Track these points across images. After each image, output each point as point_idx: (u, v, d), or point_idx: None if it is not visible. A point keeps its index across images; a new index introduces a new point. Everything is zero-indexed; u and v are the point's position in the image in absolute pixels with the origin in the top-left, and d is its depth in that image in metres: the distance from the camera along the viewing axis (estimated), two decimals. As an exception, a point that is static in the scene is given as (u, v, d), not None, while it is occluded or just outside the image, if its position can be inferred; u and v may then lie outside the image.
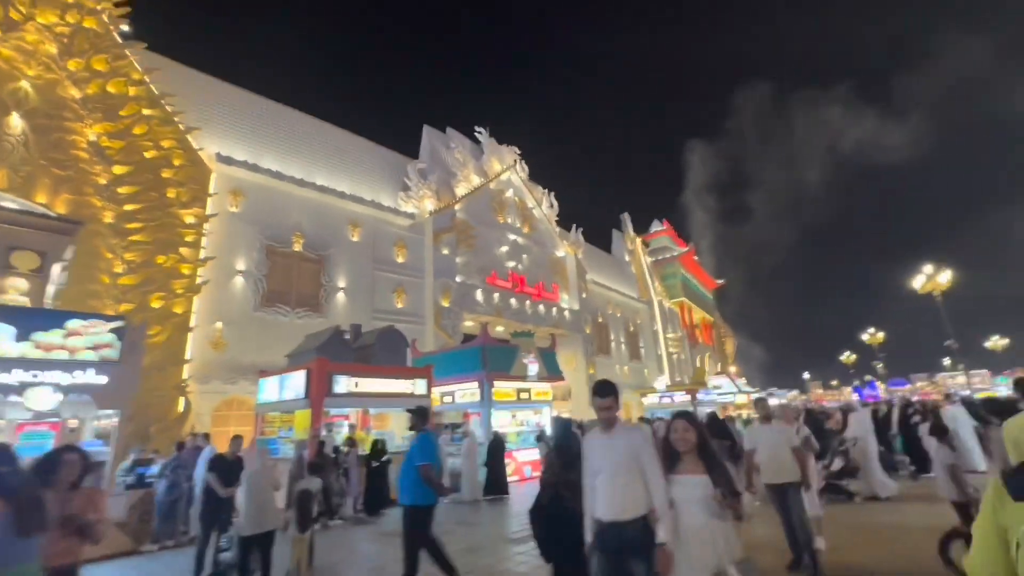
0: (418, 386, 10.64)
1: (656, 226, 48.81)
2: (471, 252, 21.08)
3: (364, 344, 10.99)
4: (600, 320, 30.26)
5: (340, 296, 16.68)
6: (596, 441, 2.78)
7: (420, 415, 4.51)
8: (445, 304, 19.10)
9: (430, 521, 4.26)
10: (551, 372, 14.91)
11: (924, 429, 9.24)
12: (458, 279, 19.92)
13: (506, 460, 12.39)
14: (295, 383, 9.47)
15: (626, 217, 41.08)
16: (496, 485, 10.01)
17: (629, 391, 29.81)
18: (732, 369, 52.57)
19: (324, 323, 14.89)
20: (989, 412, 3.80)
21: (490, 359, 12.64)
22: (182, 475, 6.64)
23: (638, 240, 41.26)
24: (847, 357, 60.45)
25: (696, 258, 52.54)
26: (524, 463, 12.61)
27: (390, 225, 18.98)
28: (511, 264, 23.07)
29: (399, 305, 18.21)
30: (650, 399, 24.96)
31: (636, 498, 2.57)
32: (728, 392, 28.39)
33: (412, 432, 4.59)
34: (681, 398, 24.76)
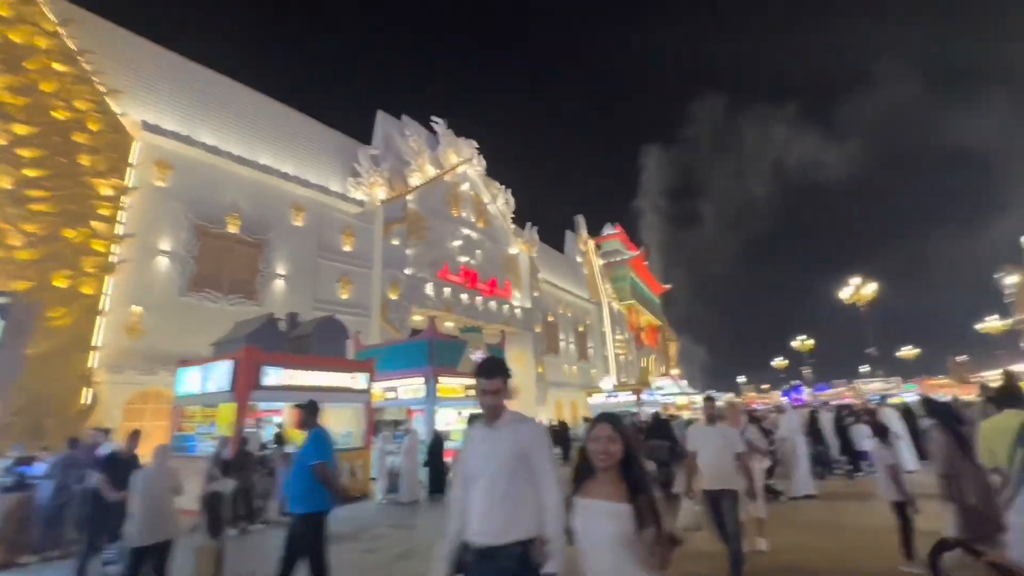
0: (358, 380, 10.05)
1: (609, 229, 49.76)
2: (423, 244, 20.47)
3: (301, 334, 10.25)
4: (551, 319, 30.37)
5: (279, 283, 15.66)
6: (476, 437, 2.16)
7: (310, 410, 3.99)
8: (393, 297, 18.40)
9: (326, 529, 3.82)
10: (499, 369, 14.64)
11: (859, 431, 9.73)
12: (408, 271, 19.27)
13: (449, 459, 12.01)
14: (219, 374, 8.65)
15: (580, 219, 41.55)
16: (437, 484, 9.62)
17: (576, 390, 30.12)
18: (675, 371, 54.48)
19: (260, 311, 13.88)
20: (930, 414, 3.85)
21: (437, 354, 12.19)
22: (72, 475, 5.79)
23: (591, 242, 41.85)
24: (779, 362, 64.12)
25: (646, 263, 54.06)
26: (468, 462, 12.29)
27: (337, 211, 18.05)
28: (464, 259, 22.63)
29: (344, 296, 17.34)
30: (596, 399, 25.26)
31: (520, 515, 1.96)
32: (670, 393, 29.25)
33: (304, 430, 4.01)
34: (626, 398, 25.20)
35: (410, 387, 12.31)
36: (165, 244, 13.22)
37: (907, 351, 60.79)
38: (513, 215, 28.10)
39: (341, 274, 17.47)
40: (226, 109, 15.70)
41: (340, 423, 10.63)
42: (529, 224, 29.18)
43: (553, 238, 39.40)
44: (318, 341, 10.07)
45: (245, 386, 8.23)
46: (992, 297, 55.10)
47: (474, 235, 23.95)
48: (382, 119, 22.09)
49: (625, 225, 53.69)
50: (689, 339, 75.51)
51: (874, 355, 25.75)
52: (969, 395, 21.10)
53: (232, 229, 14.68)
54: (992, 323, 50.36)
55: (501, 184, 27.63)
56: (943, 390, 50.45)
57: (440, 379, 12.23)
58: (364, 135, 21.44)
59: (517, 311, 25.05)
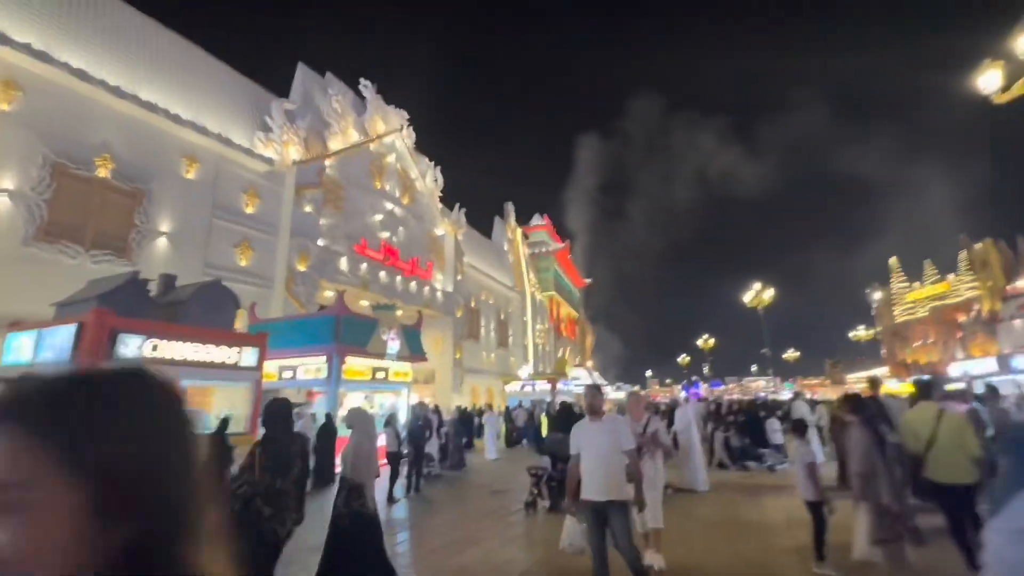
0: (246, 356, 8.77)
1: (537, 220, 49.97)
2: (340, 215, 18.87)
3: (176, 300, 8.73)
4: (473, 305, 29.76)
5: (162, 242, 13.54)
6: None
7: None
8: (301, 268, 16.76)
9: None
10: (414, 352, 13.79)
11: (771, 425, 10.18)
12: (320, 242, 17.66)
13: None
14: (59, 340, 7.05)
15: (509, 206, 41.22)
16: (322, 474, 8.69)
17: (493, 377, 29.86)
18: (590, 363, 56.37)
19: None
20: (849, 409, 3.74)
21: (344, 331, 11.10)
22: None
23: (519, 230, 41.70)
24: (684, 359, 68.57)
25: (570, 256, 55.10)
26: (371, 449, 11.39)
27: (240, 168, 16.01)
28: (385, 234, 21.28)
29: (242, 263, 15.46)
30: (513, 386, 25.14)
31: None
32: (585, 383, 29.95)
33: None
34: (542, 387, 25.34)
35: (311, 366, 11.12)
36: (7, 181, 10.80)
37: (790, 353, 67.60)
38: (441, 194, 27.02)
39: (240, 238, 15.55)
40: (102, 28, 13.16)
41: (225, 404, 9.29)
42: (457, 206, 28.28)
43: (481, 223, 38.75)
44: (199, 309, 8.63)
45: (92, 355, 6.75)
46: (862, 309, 62.87)
47: (398, 211, 22.62)
48: (303, 73, 20.01)
49: (553, 217, 54.32)
50: (605, 332, 78.66)
51: (768, 355, 27.95)
52: (835, 395, 23.69)
53: (102, 173, 12.37)
54: (860, 332, 57.23)
55: (431, 161, 26.42)
56: (819, 389, 56.92)
57: (347, 359, 11.18)
58: (280, 89, 19.30)
59: (439, 294, 24.14)
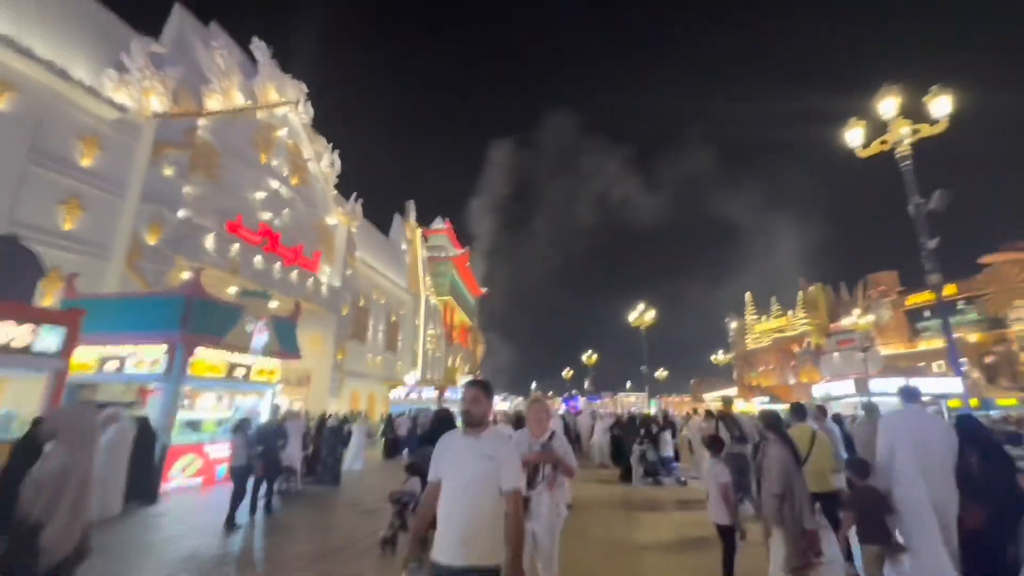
0: (44, 337, 6.74)
1: (439, 223, 48.90)
2: (212, 185, 16.26)
3: (-58, 255, 6.45)
4: (362, 304, 27.78)
5: (-57, 184, 10.33)
6: None
7: None
8: (151, 241, 14.02)
9: None
10: (286, 348, 12.07)
11: (664, 438, 10.30)
12: (182, 213, 14.99)
13: (191, 456, 9.18)
14: None
15: (411, 205, 39.71)
16: (140, 490, 6.97)
17: (377, 382, 28.04)
18: (479, 372, 56.11)
19: None
20: (767, 427, 3.54)
21: (196, 317, 9.22)
22: None
23: (419, 231, 40.28)
24: (567, 372, 71.33)
25: (468, 263, 54.69)
26: (217, 460, 9.54)
27: (77, 109, 13.01)
28: (266, 215, 18.86)
29: (67, 225, 12.45)
30: (398, 393, 23.70)
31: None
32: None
33: None
34: (430, 394, 24.24)
35: (146, 357, 9.06)
36: None
37: (660, 372, 73.75)
38: (337, 181, 24.92)
39: (68, 194, 12.54)
40: None
41: (26, 399, 7.07)
42: (354, 196, 26.30)
43: (380, 219, 36.77)
44: (-22, 270, 6.45)
45: None
46: (722, 336, 70.94)
47: (284, 191, 20.26)
48: (180, 16, 17.13)
49: (455, 223, 53.61)
50: (496, 343, 79.25)
51: (646, 373, 29.83)
52: (691, 410, 26.00)
53: None
54: (720, 357, 64.28)
55: (329, 143, 24.28)
56: (682, 406, 62.73)
57: (196, 351, 9.29)
58: (150, 28, 16.25)
59: (323, 287, 22.02)
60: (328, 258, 23.35)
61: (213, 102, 16.70)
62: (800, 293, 60.51)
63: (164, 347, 8.85)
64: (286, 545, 5.80)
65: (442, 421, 7.60)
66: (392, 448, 15.86)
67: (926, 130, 9.21)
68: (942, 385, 8.20)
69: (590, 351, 52.58)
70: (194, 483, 9.26)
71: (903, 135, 9.40)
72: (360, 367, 26.82)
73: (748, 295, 69.72)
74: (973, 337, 39.23)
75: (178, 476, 8.88)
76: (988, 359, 37.38)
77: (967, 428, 4.00)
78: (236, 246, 16.87)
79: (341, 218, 24.50)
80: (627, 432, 11.93)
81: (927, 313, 45.78)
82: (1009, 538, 3.30)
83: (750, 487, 7.08)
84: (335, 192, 24.63)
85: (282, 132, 20.58)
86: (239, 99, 17.95)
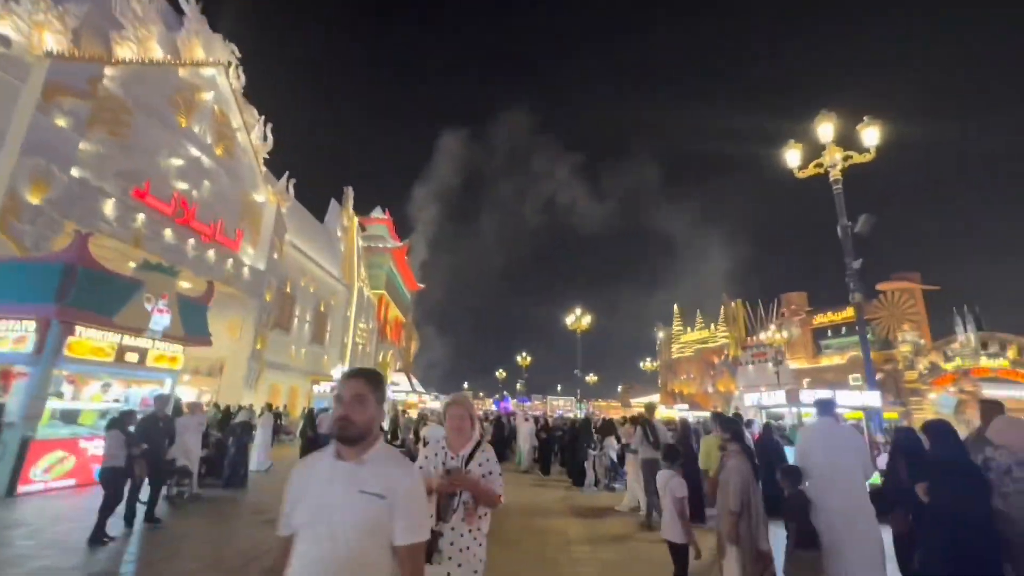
0: None
1: (378, 213, 47.06)
2: (116, 144, 14.31)
3: None
4: (288, 290, 25.92)
5: None
6: None
7: None
8: (33, 200, 12.02)
9: None
10: (192, 332, 10.74)
11: (609, 443, 10.11)
12: (76, 172, 13.03)
13: (60, 453, 7.82)
14: None
15: (349, 191, 37.84)
16: None
17: (301, 376, 26.26)
18: (411, 370, 54.63)
19: None
20: (732, 436, 3.30)
21: (80, 289, 7.86)
22: None
23: (356, 220, 38.45)
24: (501, 373, 71.33)
25: (407, 257, 53.09)
26: (95, 458, 8.20)
27: (-54, 34, 10.88)
28: (182, 185, 16.95)
29: (-81, 171, 10.34)
30: (322, 387, 22.25)
31: None
32: (404, 390, 28.34)
33: None
34: (356, 390, 23.00)
35: (8, 334, 7.59)
36: None
37: (591, 377, 75.69)
38: (268, 158, 23.07)
39: (-76, 135, 10.44)
40: None
41: None
42: (287, 175, 24.51)
43: (315, 203, 34.69)
44: None
45: None
46: (651, 344, 73.98)
47: (206, 161, 18.36)
48: (89, -52, 14.96)
49: (396, 215, 51.89)
50: (431, 340, 77.75)
51: (580, 376, 30.22)
52: (620, 415, 26.76)
53: None
54: (648, 364, 66.93)
55: (262, 115, 22.42)
56: (612, 412, 64.67)
57: (77, 329, 7.93)
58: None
59: (245, 269, 20.21)
60: (252, 238, 21.50)
61: (125, 50, 14.74)
62: (722, 308, 64.44)
63: (32, 323, 7.44)
64: (169, 562, 4.91)
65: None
66: (310, 446, 14.67)
67: (857, 157, 9.76)
68: (863, 398, 8.70)
69: (525, 353, 52.84)
70: (63, 485, 7.88)
71: (836, 160, 9.89)
72: (282, 358, 24.98)
73: (676, 307, 73.36)
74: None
75: (41, 477, 7.49)
76: (877, 376, 41.59)
77: (901, 440, 4.08)
78: (141, 216, 14.98)
79: (270, 197, 22.68)
80: (582, 437, 11.73)
81: (830, 332, 50.29)
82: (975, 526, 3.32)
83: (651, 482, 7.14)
84: (265, 169, 22.78)
85: (208, 96, 18.66)
86: (158, 52, 16.02)
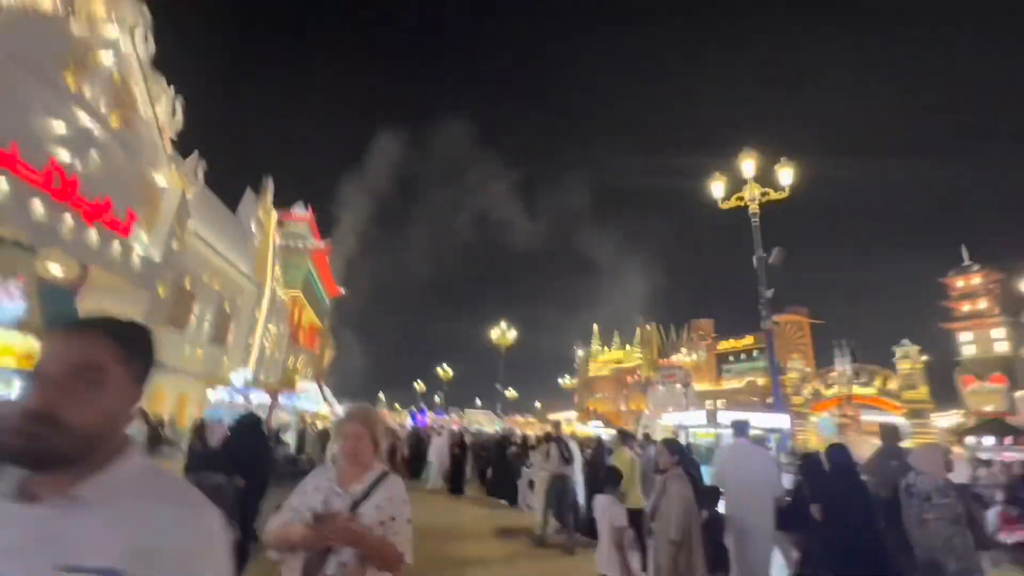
0: None
1: (299, 209, 44.19)
2: (-24, 95, 12.07)
3: None
4: (188, 286, 23.32)
5: None
6: None
7: None
8: None
9: None
10: (55, 323, 9.07)
11: (537, 460, 9.61)
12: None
13: None
14: None
15: (269, 182, 35.20)
16: None
17: (195, 380, 23.55)
18: (324, 378, 51.42)
19: None
20: (675, 458, 3.12)
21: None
22: None
23: (274, 214, 35.79)
24: (419, 385, 69.44)
25: (328, 259, 50.30)
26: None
27: None
28: (62, 152, 14.65)
29: None
30: (220, 394, 20.06)
31: None
32: (314, 400, 26.42)
33: None
34: (260, 398, 20.98)
35: None
36: None
37: (511, 392, 75.88)
38: (176, 139, 20.82)
39: None
40: None
41: None
42: (196, 155, 22.23)
43: (229, 193, 31.86)
44: None
45: None
46: (569, 362, 75.86)
47: (98, 131, 16.09)
48: None
49: (320, 213, 49.11)
50: (349, 348, 74.02)
51: (501, 391, 30.00)
52: (537, 431, 26.93)
53: None
54: (567, 381, 68.35)
55: (171, 87, 20.22)
56: (528, 427, 65.02)
57: None
58: None
59: (136, 257, 17.83)
60: (149, 224, 19.09)
61: (1, -10, 12.59)
62: (638, 330, 67.83)
63: None
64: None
65: (244, 430, 5.43)
66: (198, 462, 12.92)
67: (773, 195, 10.50)
68: (774, 420, 9.27)
69: (446, 365, 51.78)
70: None
71: (755, 195, 10.56)
72: (173, 359, 22.27)
73: (596, 327, 76.04)
74: (761, 381, 47.56)
75: None
76: (769, 400, 45.64)
77: (807, 464, 4.34)
78: (7, 185, 12.69)
79: (174, 179, 20.38)
80: (516, 454, 11.27)
81: (731, 358, 54.59)
82: (861, 548, 3.48)
83: (572, 511, 7.10)
84: (172, 149, 20.50)
85: (106, 56, 16.47)
86: (45, 1, 13.89)
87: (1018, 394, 29.44)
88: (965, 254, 33.62)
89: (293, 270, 41.58)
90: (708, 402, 42.80)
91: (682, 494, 2.76)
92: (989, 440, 27.86)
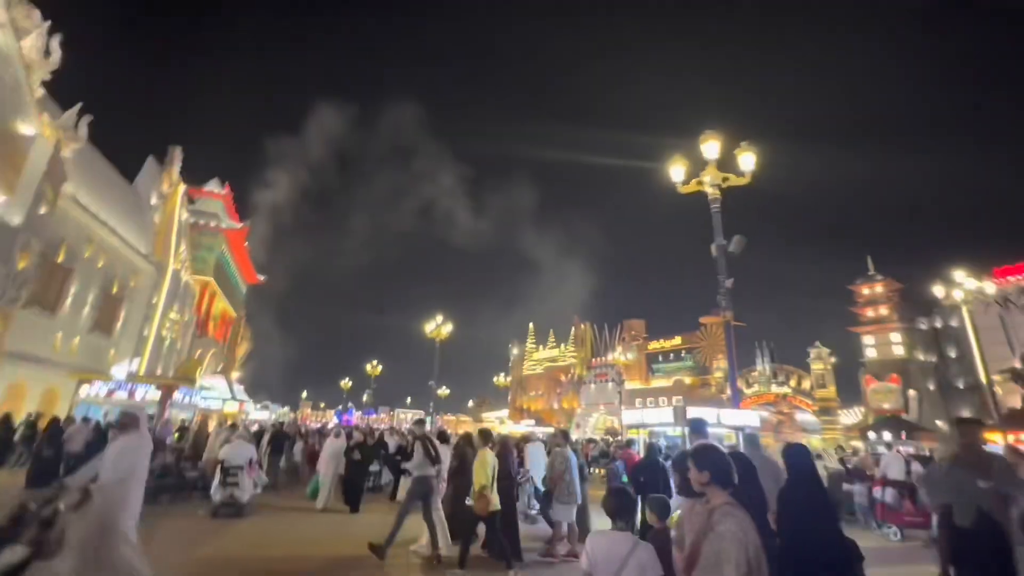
0: None
1: (215, 185, 39.84)
2: None
3: None
4: (60, 259, 19.67)
5: None
6: None
7: None
8: None
9: None
10: None
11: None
12: None
13: None
14: None
15: (177, 152, 31.17)
16: None
17: (65, 373, 19.87)
18: (236, 374, 46.91)
19: None
20: (706, 471, 2.09)
21: None
22: None
23: (182, 188, 31.73)
24: (345, 383, 65.74)
25: (247, 243, 45.89)
26: None
27: None
28: None
29: None
30: (95, 389, 16.94)
31: None
32: (219, 397, 23.44)
33: None
34: (150, 394, 18.03)
35: None
36: None
37: (443, 390, 74.02)
38: (49, 81, 17.34)
39: None
40: None
41: None
42: (79, 108, 18.76)
43: (128, 159, 27.65)
44: None
45: None
46: (504, 360, 75.19)
47: (-69, 55, 12.75)
48: None
49: (239, 192, 44.64)
50: (271, 339, 68.64)
51: (434, 388, 28.41)
52: (466, 429, 25.75)
53: None
54: (501, 379, 67.52)
55: (48, 21, 16.78)
56: (462, 426, 63.52)
57: None
58: None
59: (-16, 220, 14.48)
60: (7, 181, 15.65)
61: None
62: (573, 329, 68.41)
63: None
64: None
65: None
66: (44, 471, 10.26)
67: (734, 179, 9.94)
68: (742, 417, 8.71)
69: (375, 361, 49.07)
70: None
71: (715, 179, 9.95)
72: (38, 348, 18.63)
73: (532, 325, 75.90)
74: (688, 380, 49.36)
75: None
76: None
77: (790, 457, 3.97)
78: None
79: (45, 130, 16.95)
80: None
81: (660, 357, 56.31)
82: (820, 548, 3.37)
83: (430, 506, 6.38)
84: (43, 91, 17.03)
85: (-53, -34, 13.12)
86: None
87: (911, 393, 32.27)
88: (871, 264, 36.52)
89: (204, 252, 37.36)
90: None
91: (738, 535, 1.70)
92: (887, 435, 30.38)
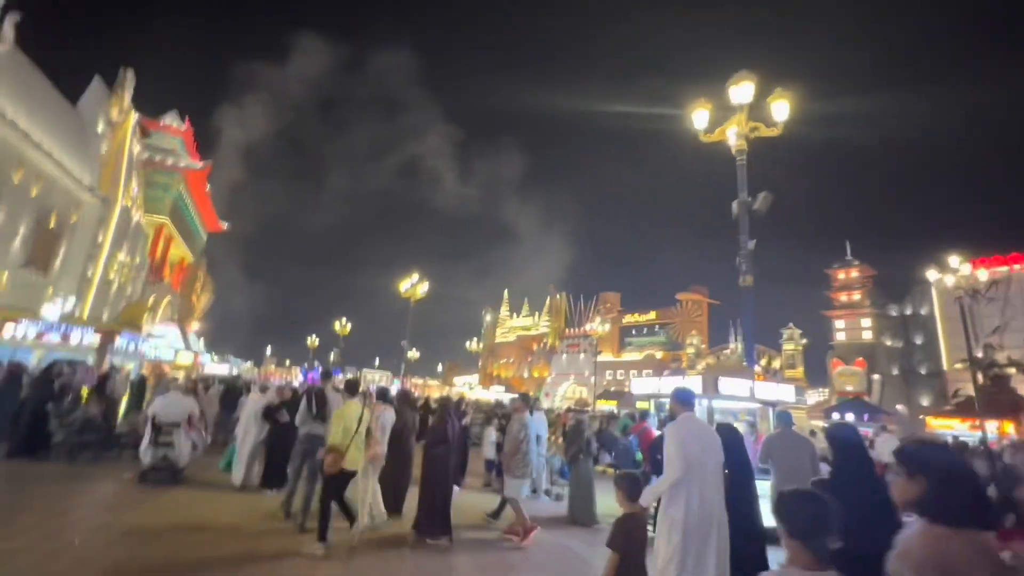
0: None
1: (174, 119, 36.44)
2: None
3: None
4: (-16, 182, 17.23)
5: None
6: None
7: None
8: None
9: None
10: None
11: (488, 436, 7.33)
12: None
13: None
14: None
15: (129, 75, 27.96)
16: None
17: (-10, 311, 17.68)
18: (196, 326, 44.49)
19: None
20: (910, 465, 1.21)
21: None
22: None
23: (135, 116, 28.65)
24: (312, 341, 63.90)
25: (209, 185, 42.68)
26: None
27: None
28: None
29: None
30: (19, 331, 15.07)
31: None
32: (170, 347, 21.69)
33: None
34: (87, 339, 16.22)
35: None
36: None
37: (412, 353, 73.02)
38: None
39: None
40: None
41: None
42: (3, 4, 16.06)
43: (65, 78, 24.55)
44: None
45: None
46: (477, 326, 74.45)
47: None
48: None
49: (201, 128, 41.18)
50: (231, 292, 65.72)
51: (406, 347, 27.29)
52: (435, 393, 25.02)
53: None
54: (473, 345, 66.84)
55: None
56: (429, 390, 62.85)
57: None
58: None
59: None
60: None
61: None
62: (548, 299, 67.90)
63: None
64: None
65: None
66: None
67: (763, 130, 8.85)
68: (777, 392, 7.91)
69: (344, 319, 47.30)
70: None
71: (745, 129, 8.83)
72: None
73: (506, 292, 75.09)
74: (659, 354, 49.72)
75: None
76: (665, 373, 47.89)
77: (842, 435, 3.75)
78: None
79: (-42, 24, 14.35)
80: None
81: (634, 331, 56.53)
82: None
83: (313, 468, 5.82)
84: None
85: None
86: None
87: (875, 377, 33.03)
88: (848, 248, 36.74)
89: (159, 192, 34.44)
90: (604, 374, 43.70)
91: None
92: (850, 417, 31.16)
